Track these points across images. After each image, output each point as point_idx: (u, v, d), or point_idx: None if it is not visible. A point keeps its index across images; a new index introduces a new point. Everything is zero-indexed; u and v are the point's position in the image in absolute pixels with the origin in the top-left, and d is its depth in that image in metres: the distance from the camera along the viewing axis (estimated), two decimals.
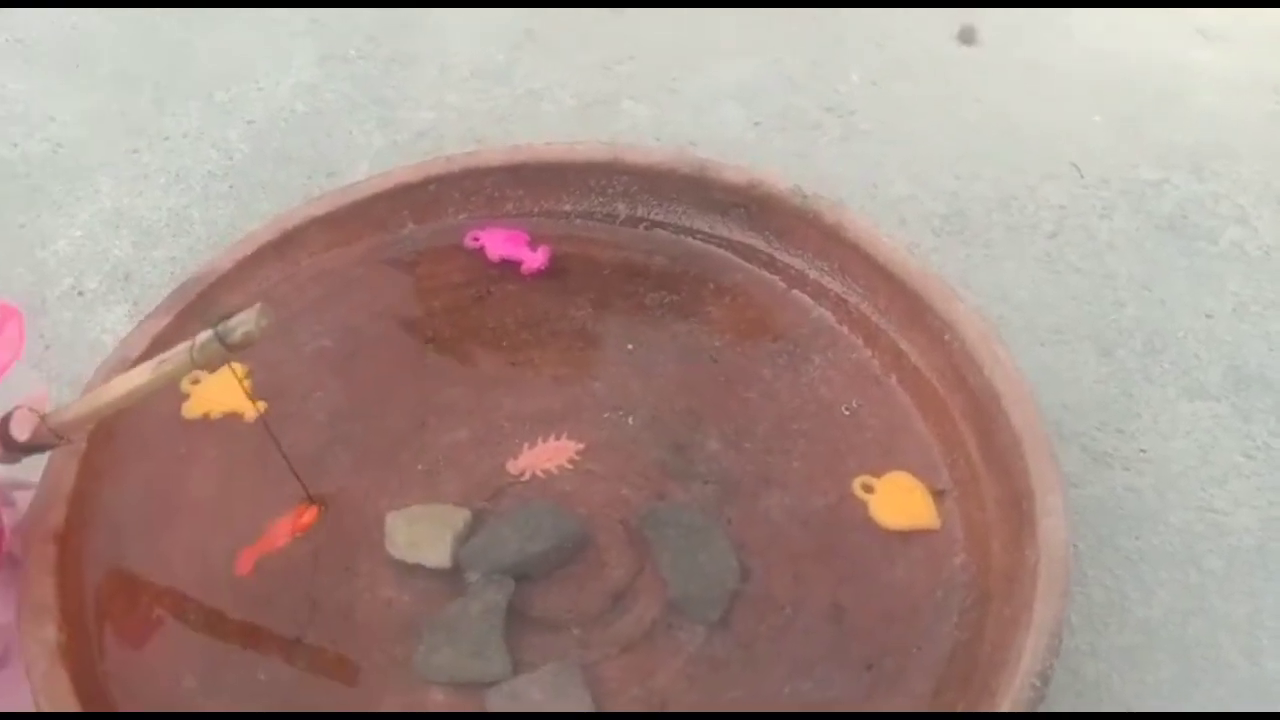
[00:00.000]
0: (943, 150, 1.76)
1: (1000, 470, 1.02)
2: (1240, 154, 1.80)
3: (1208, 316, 1.56)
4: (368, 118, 1.70)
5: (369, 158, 1.62)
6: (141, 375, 0.84)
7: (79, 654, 0.85)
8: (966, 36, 1.98)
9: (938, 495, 1.07)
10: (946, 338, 1.10)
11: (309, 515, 1.04)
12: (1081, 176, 1.75)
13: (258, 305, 0.80)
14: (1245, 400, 1.46)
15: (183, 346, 0.81)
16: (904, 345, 1.14)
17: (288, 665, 0.97)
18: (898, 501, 1.06)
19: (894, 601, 1.01)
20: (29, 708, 0.87)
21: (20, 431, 0.84)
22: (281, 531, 1.03)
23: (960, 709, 0.88)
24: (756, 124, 1.77)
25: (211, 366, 0.88)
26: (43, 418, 0.85)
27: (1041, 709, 1.14)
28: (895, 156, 1.75)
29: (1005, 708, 0.84)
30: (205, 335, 0.80)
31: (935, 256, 1.59)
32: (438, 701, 0.96)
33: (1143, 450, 1.40)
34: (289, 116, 1.69)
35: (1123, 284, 1.59)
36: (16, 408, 0.85)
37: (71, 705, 0.81)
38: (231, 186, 1.57)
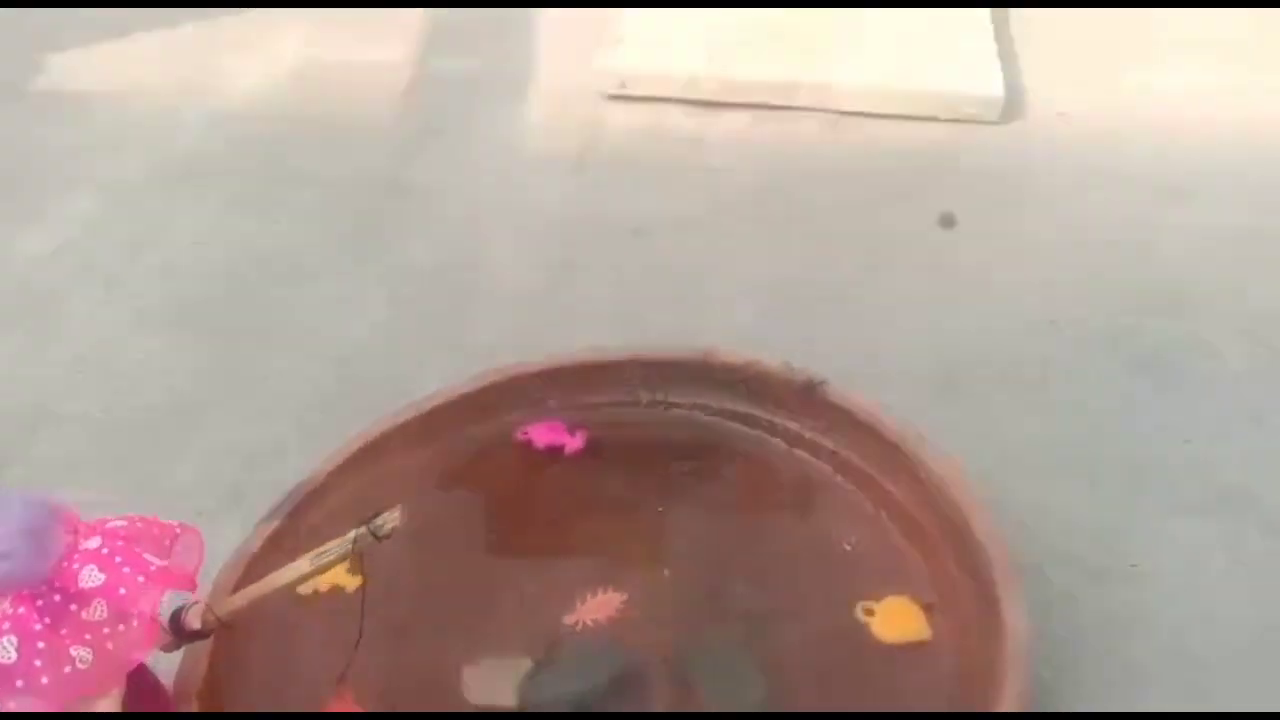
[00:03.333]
0: (931, 321, 1.99)
1: (973, 576, 1.21)
2: (1206, 297, 2.00)
3: (1186, 442, 1.73)
4: (436, 345, 1.98)
5: (437, 379, 1.89)
6: (302, 566, 1.07)
7: None
8: (946, 221, 2.25)
9: (927, 609, 1.24)
10: (921, 475, 1.31)
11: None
12: (1060, 330, 1.96)
13: (398, 506, 1.05)
14: (1230, 514, 1.61)
15: (339, 541, 1.05)
16: (889, 486, 1.35)
17: None
18: (894, 621, 1.24)
19: (898, 702, 1.18)
20: None
21: (195, 621, 1.07)
22: None
23: None
24: (764, 315, 2.02)
25: (358, 555, 1.09)
26: (211, 608, 1.08)
27: None
28: (888, 331, 1.97)
29: None
30: (360, 530, 1.05)
31: (935, 412, 1.75)
32: None
33: (1133, 565, 1.54)
34: (368, 352, 1.99)
35: (1105, 420, 1.78)
36: (194, 603, 1.08)
37: None
38: (322, 415, 1.85)
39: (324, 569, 1.07)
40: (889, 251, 2.18)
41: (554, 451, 1.47)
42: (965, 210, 2.26)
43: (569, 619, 1.30)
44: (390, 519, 1.05)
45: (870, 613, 1.25)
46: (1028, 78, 2.67)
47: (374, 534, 1.05)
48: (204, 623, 1.08)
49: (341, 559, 1.07)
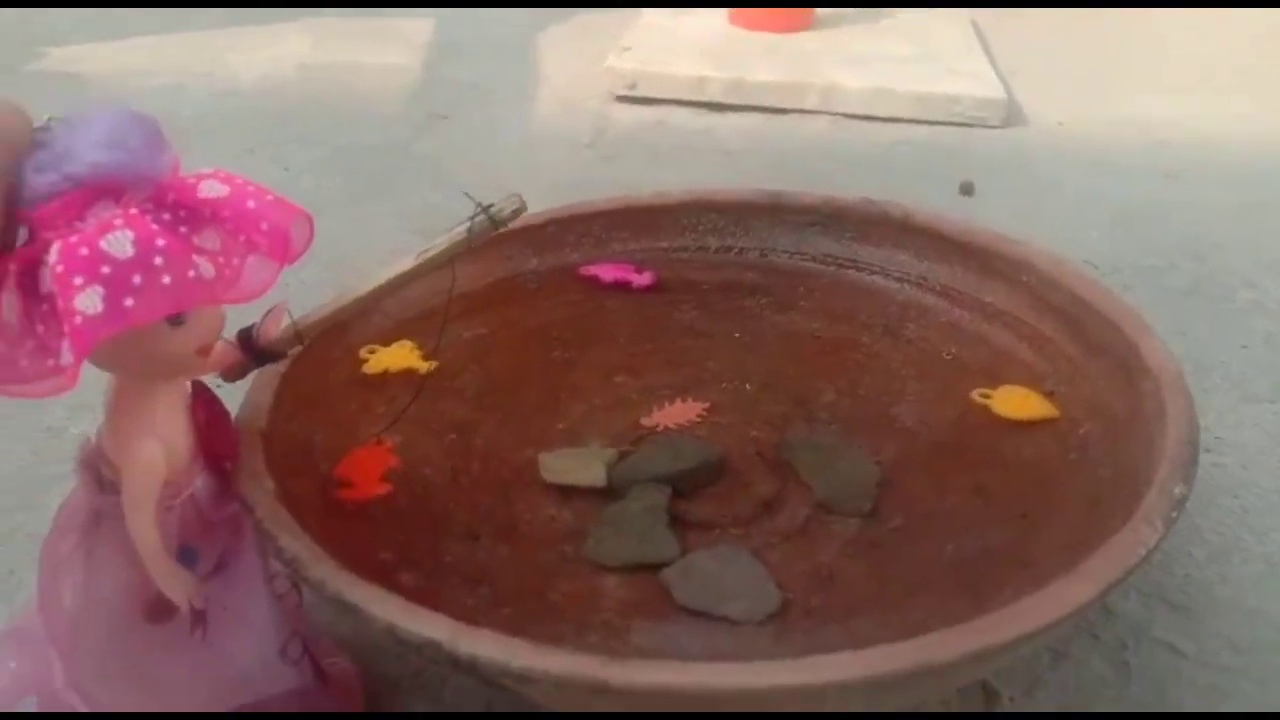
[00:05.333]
0: None
1: (1101, 351, 1.12)
2: (1228, 248, 2.02)
3: (1243, 347, 1.70)
4: None
5: None
6: (403, 265, 0.92)
7: (291, 504, 0.89)
8: (966, 190, 2.26)
9: (1049, 395, 1.15)
10: (1025, 278, 1.24)
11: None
12: (1096, 267, 1.95)
13: (513, 194, 0.94)
14: None
15: (450, 234, 0.93)
16: (987, 298, 1.27)
17: (469, 554, 1.00)
18: (1015, 401, 1.15)
19: (1032, 471, 1.07)
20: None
21: (273, 328, 0.91)
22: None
23: (1120, 500, 0.92)
24: None
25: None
26: (291, 315, 0.94)
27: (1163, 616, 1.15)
28: None
29: (1165, 469, 0.89)
30: (479, 217, 0.92)
31: None
32: (611, 585, 0.99)
33: (1218, 437, 1.47)
34: None
35: (1159, 331, 1.73)
36: (272, 309, 0.94)
37: (296, 531, 0.85)
38: None
39: (430, 265, 0.94)
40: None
41: (621, 285, 1.37)
42: (983, 186, 2.29)
43: (646, 421, 1.19)
44: (510, 203, 0.94)
45: (987, 396, 1.15)
46: (1020, 95, 2.78)
47: (493, 219, 0.93)
48: (283, 334, 0.94)
49: (454, 252, 0.94)
